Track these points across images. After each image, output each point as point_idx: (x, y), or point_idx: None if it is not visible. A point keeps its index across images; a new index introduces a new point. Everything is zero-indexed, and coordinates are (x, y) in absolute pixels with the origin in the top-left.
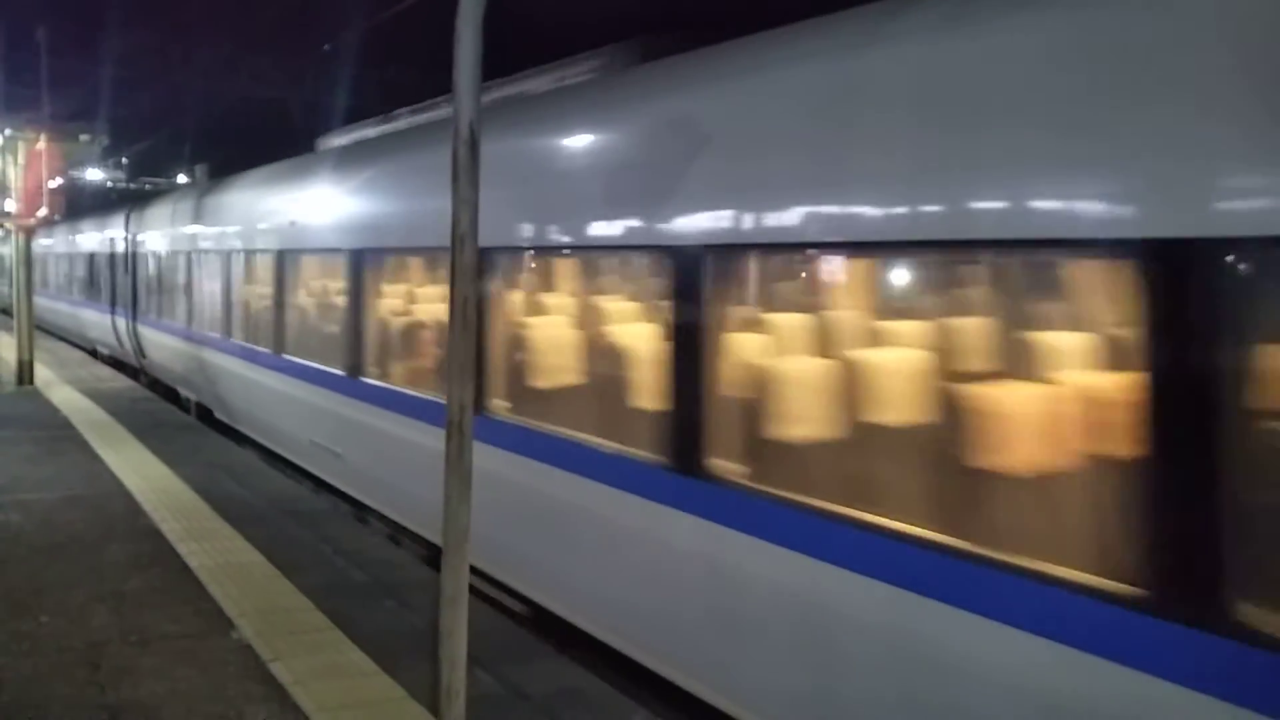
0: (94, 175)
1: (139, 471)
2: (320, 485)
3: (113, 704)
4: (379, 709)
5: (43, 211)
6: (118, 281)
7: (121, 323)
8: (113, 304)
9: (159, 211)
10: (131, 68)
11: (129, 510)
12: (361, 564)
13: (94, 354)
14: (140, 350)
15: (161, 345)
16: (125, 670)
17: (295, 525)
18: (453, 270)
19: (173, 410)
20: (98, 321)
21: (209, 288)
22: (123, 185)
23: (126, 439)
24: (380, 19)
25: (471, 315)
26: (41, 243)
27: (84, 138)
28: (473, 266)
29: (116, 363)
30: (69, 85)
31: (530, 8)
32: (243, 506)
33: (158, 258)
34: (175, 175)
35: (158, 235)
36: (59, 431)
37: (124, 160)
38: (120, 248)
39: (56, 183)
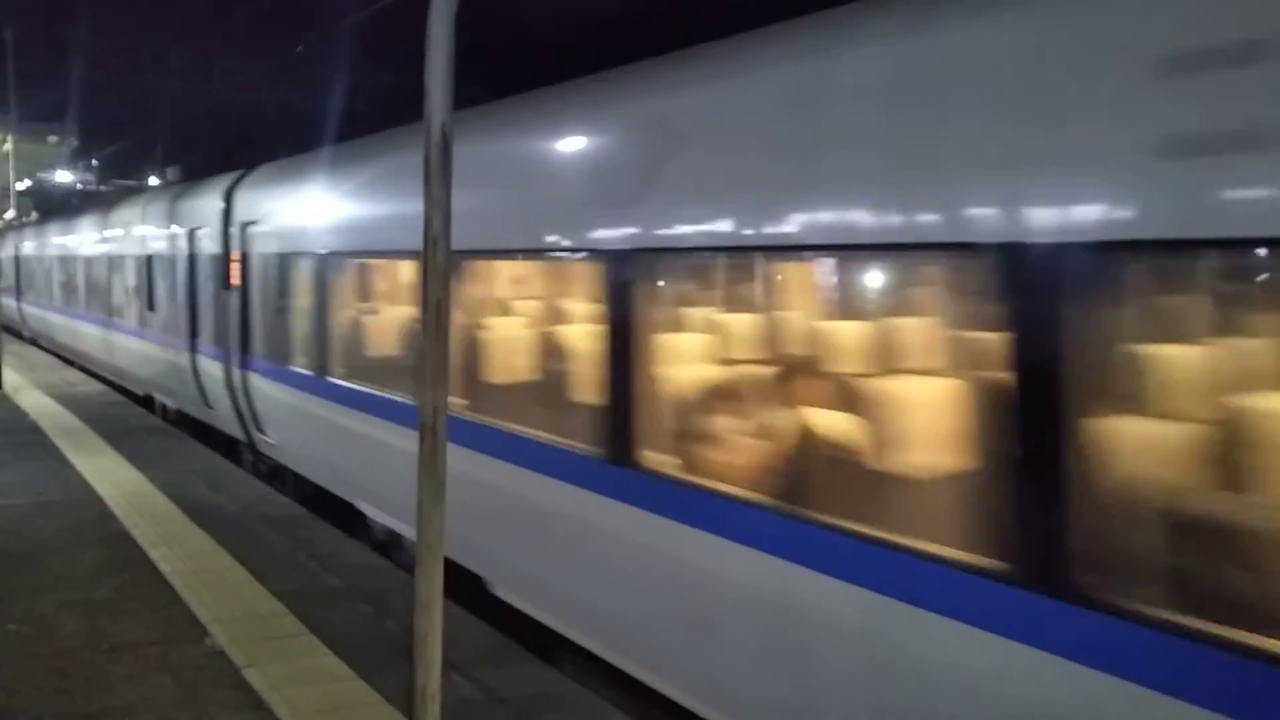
0: (63, 177)
1: (110, 477)
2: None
3: (83, 712)
4: (354, 714)
5: (10, 213)
6: (203, 302)
7: (212, 367)
8: (192, 336)
9: (317, 184)
10: (101, 70)
11: (100, 516)
12: (336, 569)
13: (148, 403)
14: (254, 418)
15: (319, 422)
16: (96, 678)
17: (269, 530)
18: (424, 273)
19: (144, 415)
20: (161, 360)
21: (528, 334)
22: (92, 187)
23: (97, 444)
24: (353, 20)
25: (445, 319)
26: (27, 245)
27: (52, 139)
28: (445, 269)
29: (188, 419)
30: (38, 87)
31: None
32: (216, 511)
33: (318, 264)
34: (146, 177)
35: (316, 225)
36: (28, 436)
37: (94, 162)
38: (212, 247)
39: (25, 184)
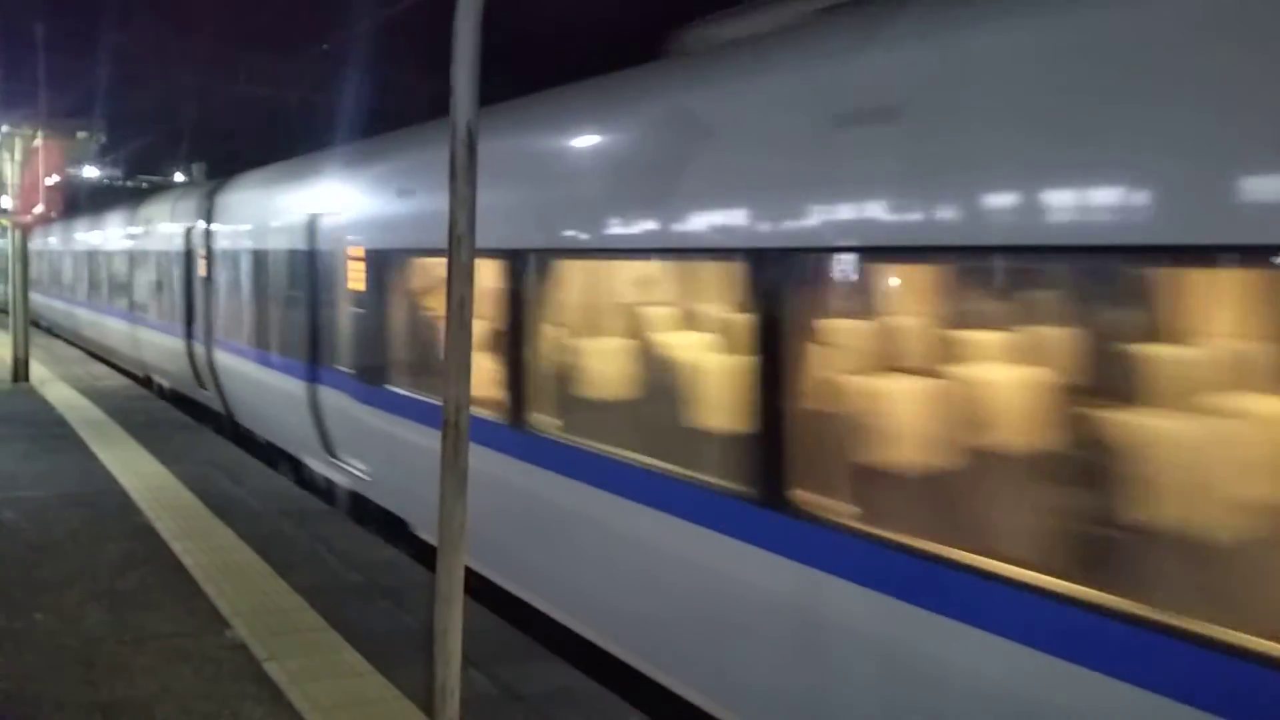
0: (91, 172)
1: (134, 469)
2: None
3: (106, 702)
4: (373, 708)
5: (39, 209)
6: None
7: None
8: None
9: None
10: (129, 65)
11: (124, 508)
12: (356, 564)
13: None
14: None
15: None
16: (119, 669)
17: (290, 525)
18: (450, 270)
19: (168, 408)
20: None
21: None
22: (119, 183)
23: (122, 437)
24: (380, 18)
25: (469, 315)
26: (240, 212)
27: (81, 135)
28: (470, 267)
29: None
30: (67, 82)
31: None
32: (238, 505)
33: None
34: (173, 174)
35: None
36: (54, 429)
37: (121, 158)
38: None
39: (54, 180)
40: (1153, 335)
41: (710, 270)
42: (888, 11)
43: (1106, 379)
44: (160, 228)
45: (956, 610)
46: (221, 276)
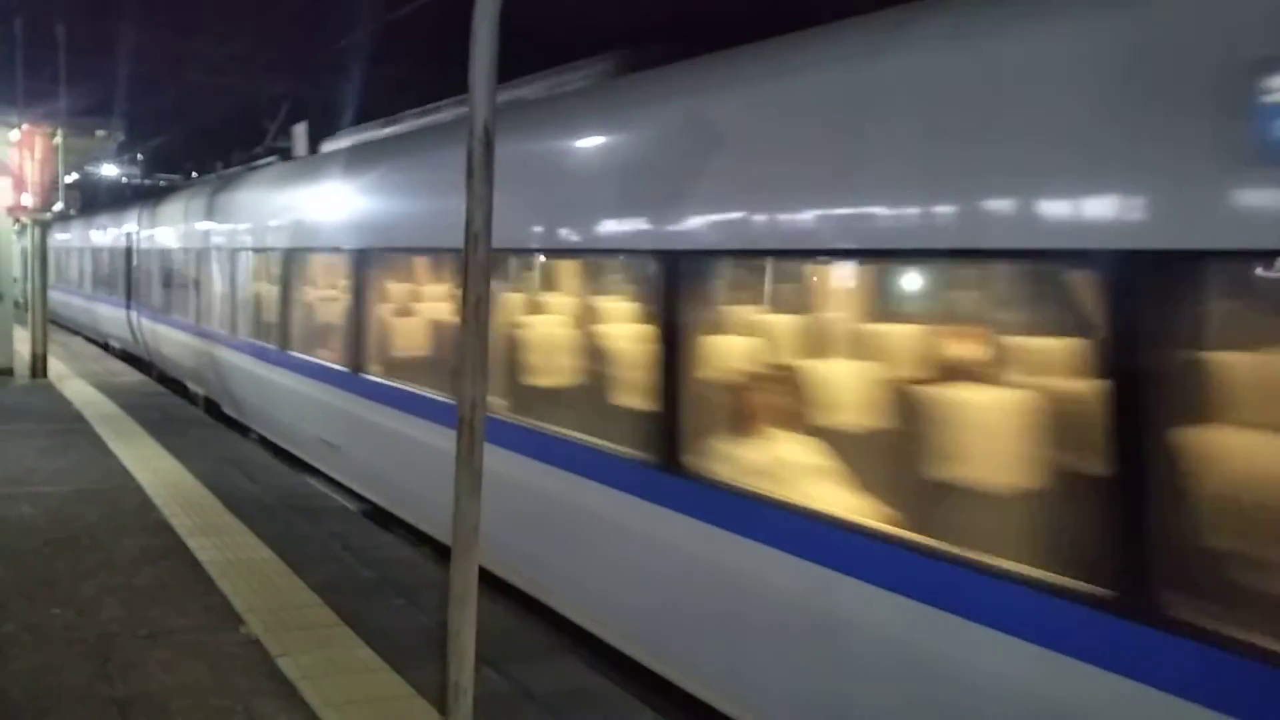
0: (109, 170)
1: (150, 465)
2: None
3: (121, 697)
4: (386, 706)
5: (58, 205)
6: None
7: None
8: None
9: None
10: (147, 63)
11: (140, 504)
12: (370, 561)
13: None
14: None
15: None
16: (134, 663)
17: (305, 522)
18: (465, 269)
19: (184, 405)
20: None
21: None
22: (137, 180)
23: (138, 433)
24: (396, 16)
25: (485, 314)
26: None
27: (100, 133)
28: (486, 265)
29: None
30: (86, 81)
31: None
32: (253, 502)
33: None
34: (190, 172)
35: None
36: (71, 424)
37: (139, 156)
38: None
39: (73, 177)
40: None
41: None
42: None
43: None
44: None
45: None
46: None
